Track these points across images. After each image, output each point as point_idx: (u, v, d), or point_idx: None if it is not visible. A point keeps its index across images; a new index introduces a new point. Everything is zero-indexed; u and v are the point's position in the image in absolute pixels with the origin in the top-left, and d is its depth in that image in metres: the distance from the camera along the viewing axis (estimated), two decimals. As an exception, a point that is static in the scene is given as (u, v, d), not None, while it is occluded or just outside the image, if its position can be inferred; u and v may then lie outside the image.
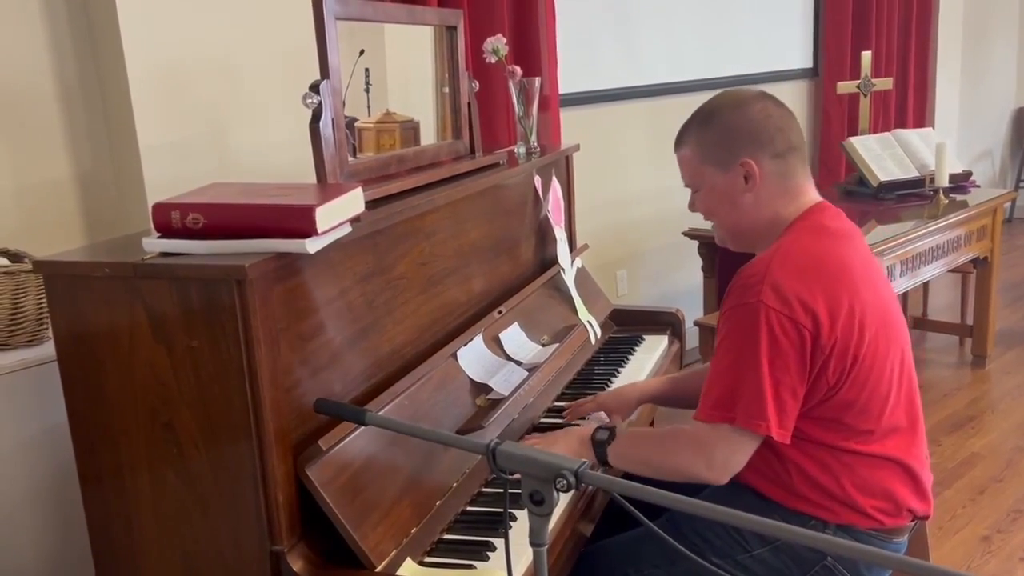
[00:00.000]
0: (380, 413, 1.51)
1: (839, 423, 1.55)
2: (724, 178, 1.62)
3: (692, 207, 1.72)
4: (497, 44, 2.38)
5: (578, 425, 1.98)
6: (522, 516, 1.55)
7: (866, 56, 4.21)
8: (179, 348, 1.36)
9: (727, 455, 1.53)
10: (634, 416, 2.06)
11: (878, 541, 1.58)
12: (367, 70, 1.96)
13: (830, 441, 1.55)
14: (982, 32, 6.26)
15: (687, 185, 1.70)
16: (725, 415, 1.51)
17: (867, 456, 1.56)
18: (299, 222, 1.35)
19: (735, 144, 1.61)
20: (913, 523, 1.64)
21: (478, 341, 1.93)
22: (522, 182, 2.33)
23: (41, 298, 1.91)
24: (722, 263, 3.39)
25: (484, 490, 1.70)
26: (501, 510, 1.58)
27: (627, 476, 1.69)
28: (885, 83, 4.38)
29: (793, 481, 1.57)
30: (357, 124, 1.94)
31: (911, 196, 3.86)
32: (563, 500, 1.64)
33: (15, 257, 2.00)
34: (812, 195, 1.66)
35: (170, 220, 1.39)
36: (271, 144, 2.50)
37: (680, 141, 1.69)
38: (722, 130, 1.62)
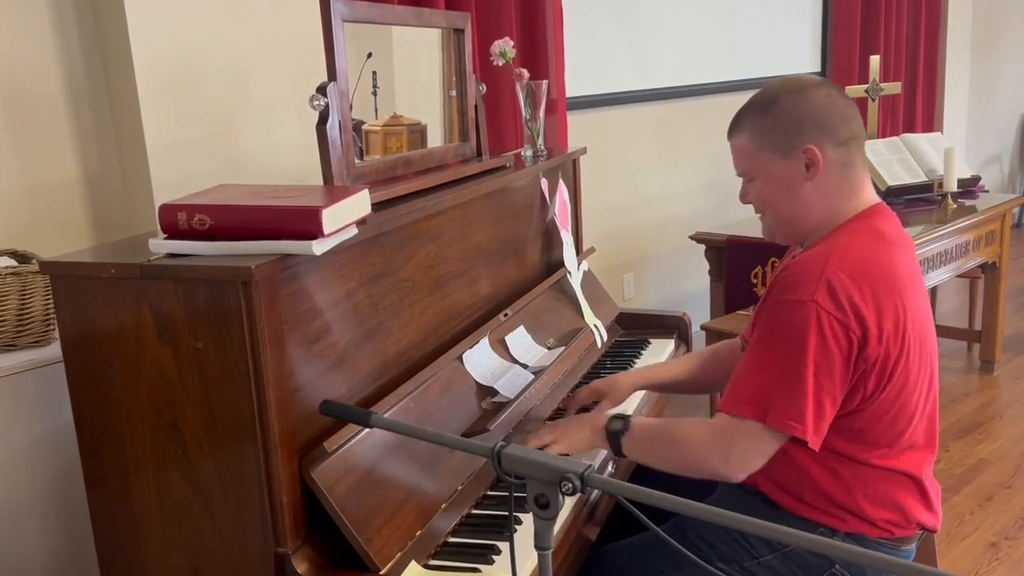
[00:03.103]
0: (385, 415, 1.51)
1: (862, 436, 1.52)
2: (784, 165, 1.57)
3: (744, 198, 1.66)
4: (504, 47, 2.38)
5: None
6: (527, 520, 1.54)
7: (874, 60, 4.20)
8: (185, 349, 1.36)
9: (746, 451, 1.48)
10: (645, 411, 2.05)
11: (886, 550, 1.56)
12: (374, 73, 1.96)
13: (848, 452, 1.53)
14: (991, 36, 6.24)
15: (740, 174, 1.65)
16: (757, 411, 1.47)
17: (882, 470, 1.54)
18: (305, 224, 1.35)
19: (798, 130, 1.55)
20: (921, 532, 1.63)
21: (484, 344, 1.93)
22: (529, 185, 2.32)
23: (48, 299, 1.92)
24: (729, 267, 3.38)
25: (489, 493, 1.70)
26: (506, 513, 1.57)
27: (640, 468, 1.67)
28: (894, 87, 4.37)
29: (804, 489, 1.55)
30: (364, 127, 1.94)
31: (919, 201, 3.85)
32: (568, 504, 1.64)
33: (22, 258, 2.01)
34: (871, 193, 1.61)
35: (177, 221, 1.39)
36: (278, 146, 2.50)
37: (736, 128, 1.63)
38: (784, 116, 1.56)
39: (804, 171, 1.56)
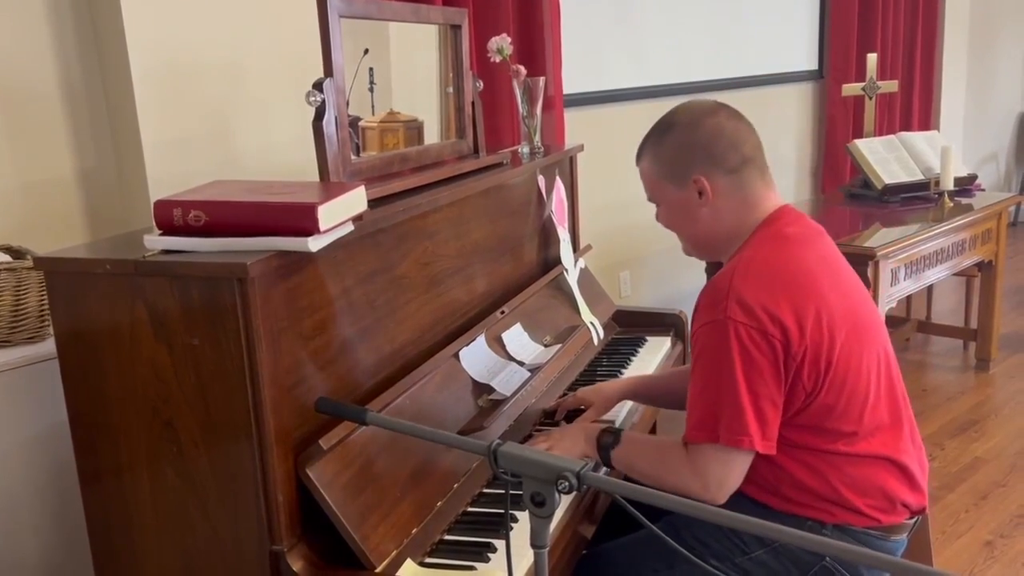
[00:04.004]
0: (381, 413, 1.50)
1: (822, 427, 1.55)
2: (680, 194, 1.64)
3: (657, 219, 1.73)
4: (502, 43, 2.38)
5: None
6: (523, 518, 1.54)
7: (871, 58, 4.20)
8: (180, 346, 1.36)
9: (720, 476, 1.52)
10: (636, 418, 2.05)
11: (876, 539, 1.58)
12: (371, 69, 1.96)
13: (816, 445, 1.55)
14: (988, 35, 6.24)
15: (649, 199, 1.71)
16: (709, 435, 1.51)
17: (854, 456, 1.56)
18: (301, 220, 1.35)
19: (687, 162, 1.61)
20: (912, 520, 1.64)
21: (480, 341, 1.93)
22: (526, 182, 2.32)
23: (43, 295, 1.91)
24: (726, 265, 3.38)
25: (485, 491, 1.70)
26: (502, 511, 1.57)
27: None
28: (890, 86, 4.37)
29: (784, 487, 1.57)
30: (361, 123, 1.94)
31: (916, 199, 3.85)
32: (564, 502, 1.63)
33: (17, 254, 2.00)
34: (773, 201, 1.65)
35: (172, 217, 1.39)
36: (275, 143, 2.49)
37: (639, 155, 1.70)
38: (675, 147, 1.63)
39: (698, 198, 1.62)
